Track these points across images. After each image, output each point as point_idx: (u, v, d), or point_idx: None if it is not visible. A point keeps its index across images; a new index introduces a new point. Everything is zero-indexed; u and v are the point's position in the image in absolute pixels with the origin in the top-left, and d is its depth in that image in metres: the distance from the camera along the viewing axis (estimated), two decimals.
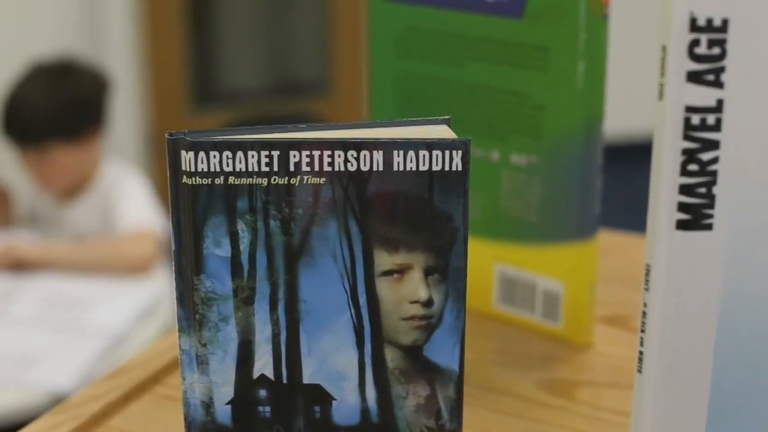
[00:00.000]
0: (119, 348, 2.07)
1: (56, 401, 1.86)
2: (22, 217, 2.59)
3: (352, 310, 0.61)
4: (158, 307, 2.24)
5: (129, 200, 2.46)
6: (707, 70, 0.52)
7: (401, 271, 0.61)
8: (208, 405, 0.63)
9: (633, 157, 3.87)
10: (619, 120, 2.86)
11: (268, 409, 0.63)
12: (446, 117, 0.64)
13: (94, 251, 2.36)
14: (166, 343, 0.86)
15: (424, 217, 0.60)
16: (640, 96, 3.68)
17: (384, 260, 0.60)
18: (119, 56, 3.76)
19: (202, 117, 4.19)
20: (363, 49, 4.29)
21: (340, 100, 4.34)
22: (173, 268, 0.61)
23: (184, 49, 4.14)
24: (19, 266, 2.32)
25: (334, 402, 0.63)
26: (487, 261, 0.89)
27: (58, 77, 2.46)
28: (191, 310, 0.61)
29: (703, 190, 0.54)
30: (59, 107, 2.41)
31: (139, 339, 2.12)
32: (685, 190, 0.54)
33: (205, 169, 0.59)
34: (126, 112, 3.71)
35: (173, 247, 0.61)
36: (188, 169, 0.59)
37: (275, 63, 4.43)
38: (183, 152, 0.59)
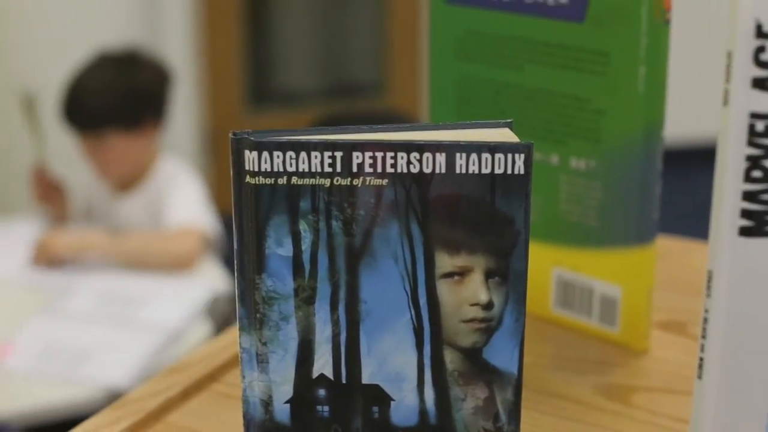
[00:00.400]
0: (173, 345, 2.08)
1: (111, 397, 1.88)
2: (78, 212, 2.61)
3: (412, 312, 0.61)
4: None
5: (179, 197, 2.47)
6: None
7: (462, 273, 0.61)
8: (267, 403, 0.64)
9: (691, 162, 3.84)
10: (679, 125, 2.84)
11: (326, 408, 0.64)
12: (508, 120, 0.64)
13: (133, 245, 2.37)
14: (223, 341, 0.87)
15: (485, 219, 0.60)
16: (700, 101, 3.66)
17: (445, 262, 0.61)
18: (176, 55, 3.79)
19: (257, 117, 4.22)
20: (419, 51, 4.30)
21: (395, 102, 4.35)
22: (235, 266, 0.62)
23: (241, 49, 4.17)
24: (56, 262, 2.34)
25: (392, 403, 0.63)
26: (545, 265, 0.89)
27: (121, 66, 2.48)
28: (252, 308, 0.62)
29: (766, 197, 0.53)
30: (120, 96, 2.43)
31: (191, 337, 2.13)
32: (748, 196, 0.54)
33: (269, 169, 0.60)
34: (181, 110, 3.73)
35: (235, 246, 0.61)
36: (251, 169, 0.60)
37: (331, 64, 4.45)
38: (247, 152, 0.59)
